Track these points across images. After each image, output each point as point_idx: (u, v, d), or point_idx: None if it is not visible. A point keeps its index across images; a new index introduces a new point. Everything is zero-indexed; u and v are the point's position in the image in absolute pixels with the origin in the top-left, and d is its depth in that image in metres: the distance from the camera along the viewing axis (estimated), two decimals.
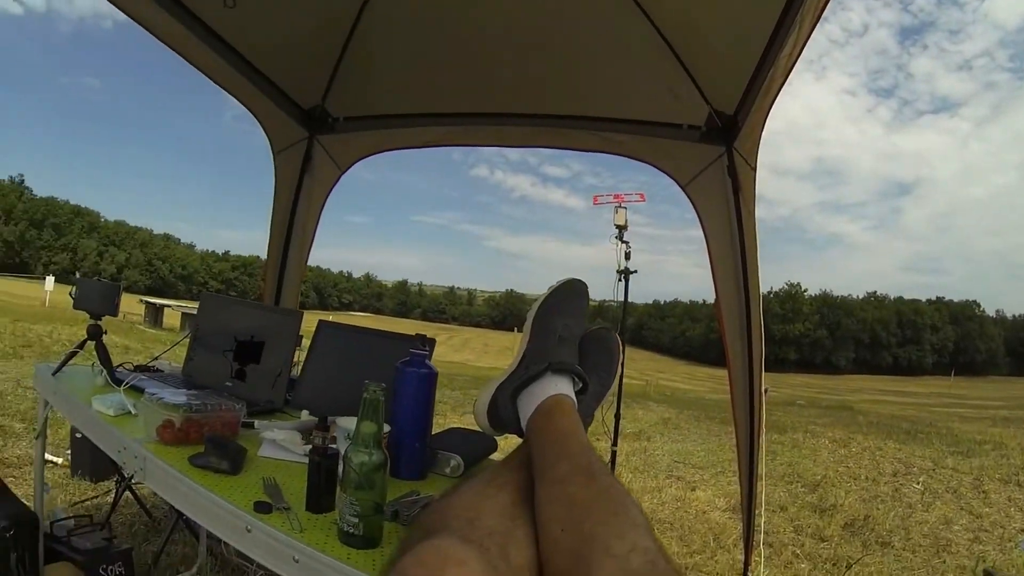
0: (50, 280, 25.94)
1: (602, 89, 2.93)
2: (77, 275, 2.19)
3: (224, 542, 2.77)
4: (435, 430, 1.66)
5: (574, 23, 2.61)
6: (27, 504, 2.24)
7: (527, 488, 0.99)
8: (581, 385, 1.24)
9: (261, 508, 1.20)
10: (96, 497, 3.40)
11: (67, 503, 3.23)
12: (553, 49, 2.79)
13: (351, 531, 1.09)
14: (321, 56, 3.05)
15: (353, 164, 3.60)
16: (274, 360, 2.15)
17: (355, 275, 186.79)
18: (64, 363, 2.18)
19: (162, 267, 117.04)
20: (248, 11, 2.50)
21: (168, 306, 19.74)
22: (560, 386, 1.20)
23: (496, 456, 1.79)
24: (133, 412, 1.77)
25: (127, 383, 1.95)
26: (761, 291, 2.79)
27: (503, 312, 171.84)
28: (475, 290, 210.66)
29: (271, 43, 2.86)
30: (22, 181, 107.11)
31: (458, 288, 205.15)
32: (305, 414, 1.91)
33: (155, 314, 19.13)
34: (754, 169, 2.61)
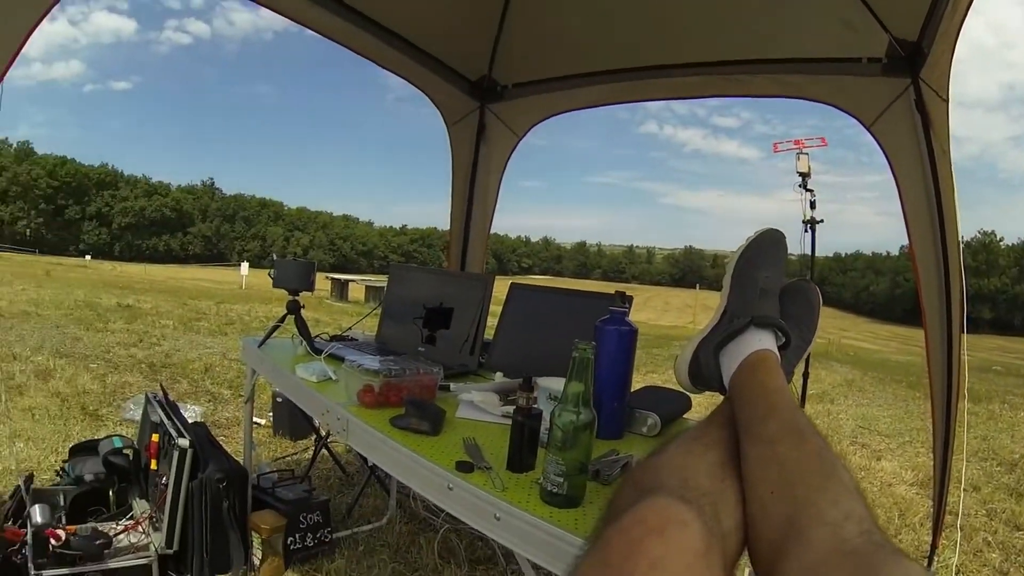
0: (244, 266, 28.66)
1: (773, 29, 2.74)
2: (274, 257, 2.36)
3: (413, 496, 2.94)
4: None
5: None
6: (237, 460, 2.47)
7: (734, 447, 0.95)
8: (784, 340, 1.17)
9: (463, 467, 1.23)
10: (295, 454, 3.75)
11: (271, 459, 3.56)
12: None
13: (555, 490, 1.09)
14: (481, 27, 3.11)
15: (530, 129, 3.62)
16: (465, 324, 2.20)
17: (533, 239, 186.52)
18: (268, 336, 2.37)
19: (344, 245, 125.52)
20: None
21: (352, 281, 21.22)
22: (764, 341, 1.14)
23: (689, 416, 1.77)
24: (334, 378, 1.87)
25: (326, 352, 2.08)
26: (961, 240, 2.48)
27: (682, 269, 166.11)
28: (654, 248, 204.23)
29: (430, 21, 2.99)
30: (212, 183, 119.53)
31: (637, 247, 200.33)
32: (499, 376, 1.95)
33: (341, 289, 20.63)
34: (946, 101, 2.34)
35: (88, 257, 51.76)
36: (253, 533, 2.29)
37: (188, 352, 6.97)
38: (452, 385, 1.85)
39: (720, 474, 0.90)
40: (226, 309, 12.67)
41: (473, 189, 3.73)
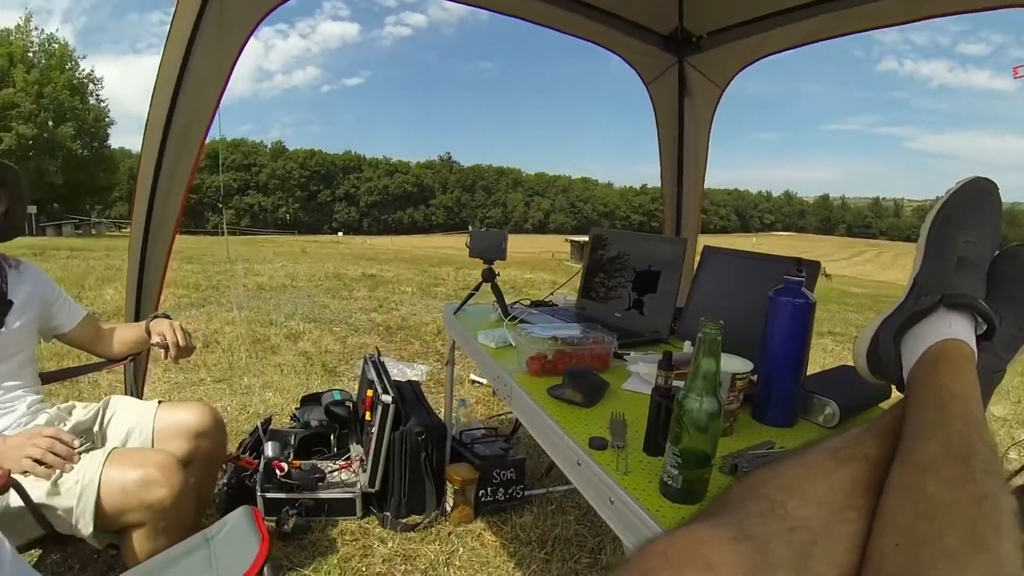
0: None
1: None
2: (470, 228, 2.48)
3: None
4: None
5: None
6: (438, 415, 2.70)
7: (882, 467, 0.71)
8: (986, 328, 0.88)
9: (595, 444, 1.19)
10: (511, 413, 3.92)
11: (485, 417, 3.77)
12: None
13: (669, 482, 0.99)
14: None
15: (732, 79, 3.42)
16: (660, 290, 2.15)
17: (774, 193, 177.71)
18: (463, 303, 2.51)
19: (585, 207, 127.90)
20: None
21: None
22: (956, 327, 0.87)
23: (886, 405, 1.47)
24: (513, 344, 1.91)
25: (510, 318, 2.16)
26: None
27: None
28: (902, 200, 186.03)
29: None
30: (449, 157, 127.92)
31: (883, 199, 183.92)
32: (687, 345, 1.85)
33: (579, 250, 21.31)
34: None
35: (340, 234, 58.17)
36: (448, 483, 2.48)
37: (424, 316, 7.54)
38: (631, 354, 1.78)
39: (842, 503, 0.67)
40: (464, 275, 13.29)
41: (682, 147, 3.62)
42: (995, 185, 1.01)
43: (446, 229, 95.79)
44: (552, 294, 2.78)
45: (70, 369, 2.27)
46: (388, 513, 2.45)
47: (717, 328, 0.95)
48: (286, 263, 15.36)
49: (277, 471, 2.42)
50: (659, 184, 3.80)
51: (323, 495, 2.43)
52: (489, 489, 2.56)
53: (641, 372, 1.61)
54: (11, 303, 1.76)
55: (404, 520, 2.45)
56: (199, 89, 2.27)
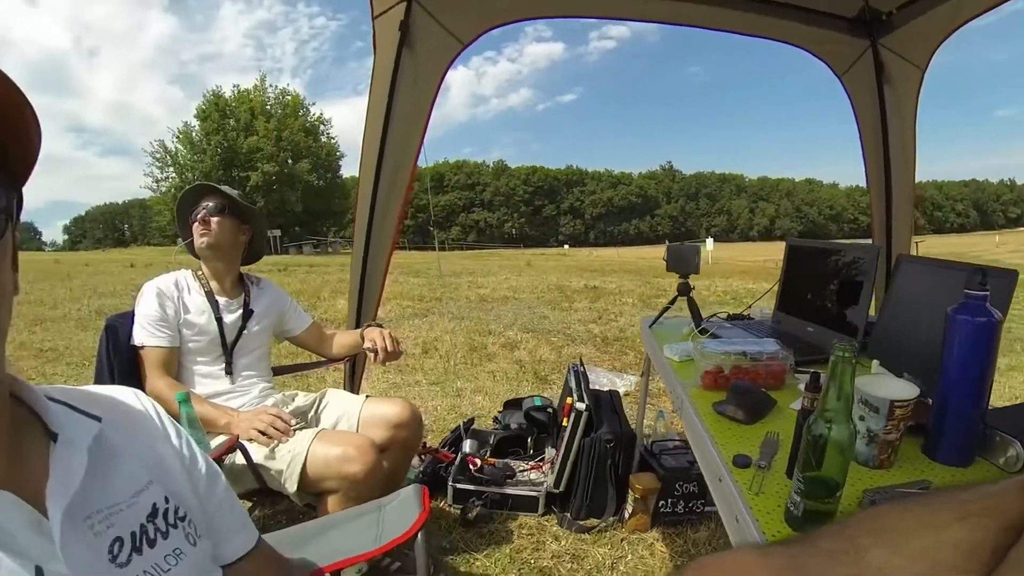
0: (710, 241, 29.51)
1: None
2: (667, 243, 2.52)
3: None
4: None
5: None
6: (631, 425, 2.74)
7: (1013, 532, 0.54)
8: None
9: (739, 462, 1.16)
10: None
11: (683, 430, 3.70)
12: None
13: (792, 508, 0.94)
14: None
15: (933, 55, 3.03)
16: (850, 303, 2.01)
17: (1019, 181, 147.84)
18: (659, 317, 2.55)
19: (810, 211, 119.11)
20: None
21: None
22: None
23: None
24: (695, 359, 1.90)
25: (699, 330, 2.15)
26: None
27: None
28: None
29: None
30: (671, 166, 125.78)
31: None
32: (875, 365, 1.70)
33: None
34: None
35: (567, 246, 59.65)
36: (630, 490, 2.50)
37: (640, 327, 7.53)
38: (811, 372, 1.70)
39: (951, 562, 0.50)
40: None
41: (887, 140, 3.24)
42: None
43: (673, 239, 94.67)
44: (749, 307, 2.70)
45: (297, 365, 2.75)
46: (568, 514, 2.54)
47: (850, 351, 0.89)
48: (510, 276, 16.11)
49: (471, 466, 2.61)
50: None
51: (509, 491, 2.59)
52: (669, 500, 2.54)
53: None
54: (252, 311, 2.22)
55: (582, 522, 2.51)
56: (404, 128, 2.63)
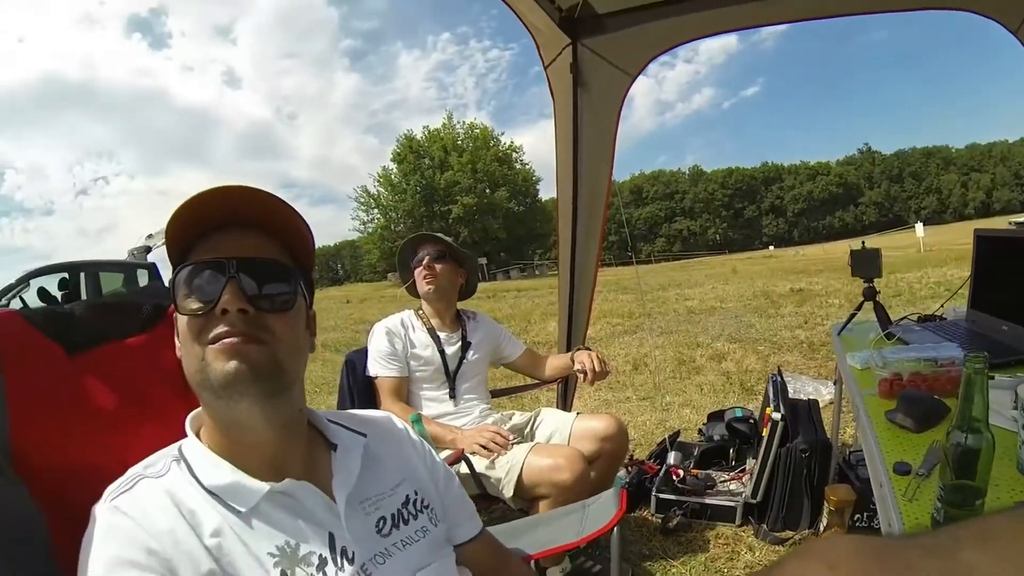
0: (920, 227, 26.35)
1: None
2: (851, 248, 2.52)
3: None
4: None
5: None
6: (826, 434, 2.71)
7: None
8: None
9: (899, 469, 1.17)
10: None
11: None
12: None
13: (935, 515, 0.97)
14: None
15: None
16: None
17: None
18: (846, 324, 2.55)
19: None
20: None
21: None
22: None
23: None
24: (877, 366, 1.87)
25: (885, 334, 2.17)
26: None
27: None
28: None
29: None
30: (869, 148, 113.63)
31: None
32: None
33: None
34: None
35: (771, 248, 56.42)
36: (825, 502, 2.49)
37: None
38: (994, 377, 1.65)
39: None
40: (895, 279, 12.16)
41: None
42: None
43: (880, 228, 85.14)
44: (942, 306, 2.60)
45: (512, 387, 3.06)
46: (764, 525, 2.58)
47: (982, 362, 0.91)
48: (716, 285, 15.75)
49: (674, 477, 2.77)
50: None
51: (708, 501, 2.70)
52: (865, 514, 2.45)
53: (992, 399, 1.48)
54: (470, 343, 2.53)
55: (777, 533, 2.55)
56: (593, 159, 2.93)
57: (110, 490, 0.82)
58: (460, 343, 2.52)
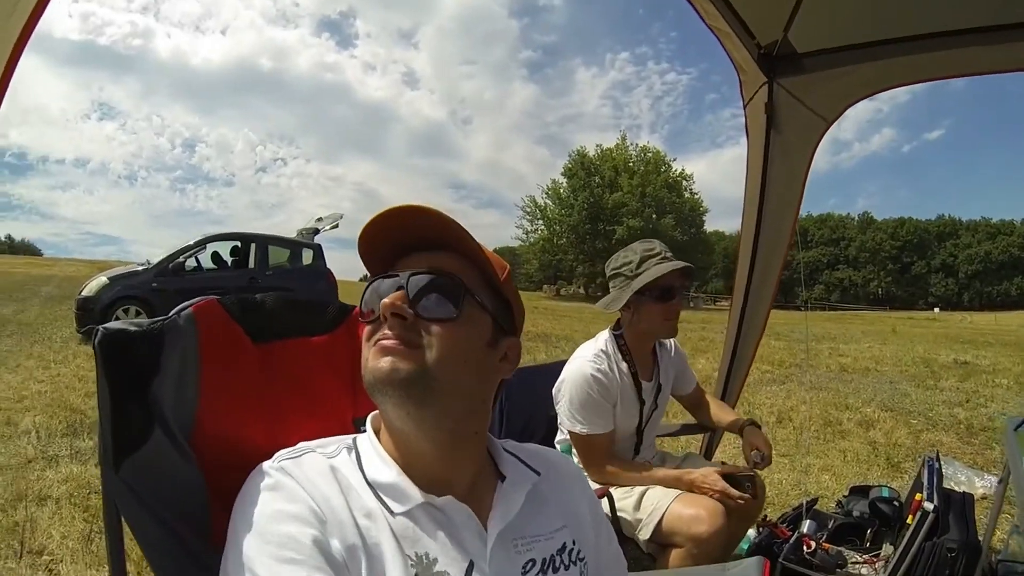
0: None
1: None
2: None
3: None
4: None
5: None
6: (979, 535, 2.52)
7: None
8: None
9: None
10: None
11: None
12: None
13: None
14: None
15: None
16: None
17: None
18: None
19: None
20: None
21: None
22: None
23: None
24: None
25: None
26: None
27: None
28: None
29: None
30: None
31: None
32: None
33: None
34: None
35: (937, 310, 51.62)
36: None
37: (1015, 417, 6.50)
38: None
39: None
40: None
41: None
42: None
43: None
44: None
45: (680, 427, 2.91)
46: None
47: None
48: (873, 343, 14.80)
49: (804, 547, 2.67)
50: None
51: None
52: None
53: None
54: (661, 386, 2.33)
55: None
56: (778, 206, 2.85)
57: (279, 455, 0.86)
58: (654, 389, 2.29)
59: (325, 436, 0.93)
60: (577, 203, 56.65)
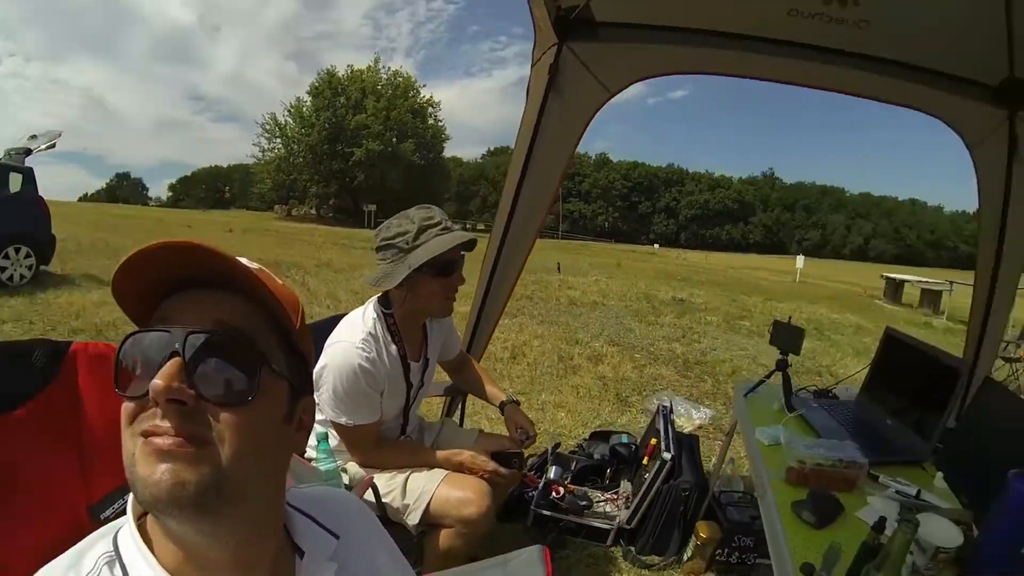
0: (800, 259, 27.93)
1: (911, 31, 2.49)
2: (775, 319, 2.65)
3: None
4: None
5: None
6: (706, 472, 2.93)
7: None
8: None
9: (805, 569, 1.28)
10: None
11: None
12: None
13: None
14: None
15: None
16: (932, 410, 2.09)
17: None
18: (754, 388, 2.65)
19: (909, 234, 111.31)
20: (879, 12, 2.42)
21: (907, 281, 18.84)
22: None
23: None
24: (783, 445, 2.04)
25: (783, 407, 2.35)
26: None
27: None
28: None
29: (927, 33, 2.61)
30: (772, 173, 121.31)
31: None
32: (939, 477, 1.88)
33: (895, 290, 18.62)
34: None
35: (656, 246, 58.79)
36: (693, 535, 2.68)
37: (722, 352, 7.59)
38: (880, 477, 1.84)
39: None
40: (771, 307, 12.99)
41: (1005, 228, 3.14)
42: None
43: (762, 249, 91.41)
44: (837, 384, 2.85)
45: (445, 388, 2.71)
46: (633, 548, 2.77)
47: (910, 532, 1.12)
48: (600, 277, 16.14)
49: (554, 493, 2.84)
50: None
51: (585, 521, 2.83)
52: (726, 551, 2.68)
53: (875, 506, 1.66)
54: (428, 360, 2.21)
55: (644, 558, 2.74)
56: (544, 168, 2.84)
57: None
58: (422, 367, 2.17)
59: (53, 544, 0.71)
60: (319, 123, 54.49)
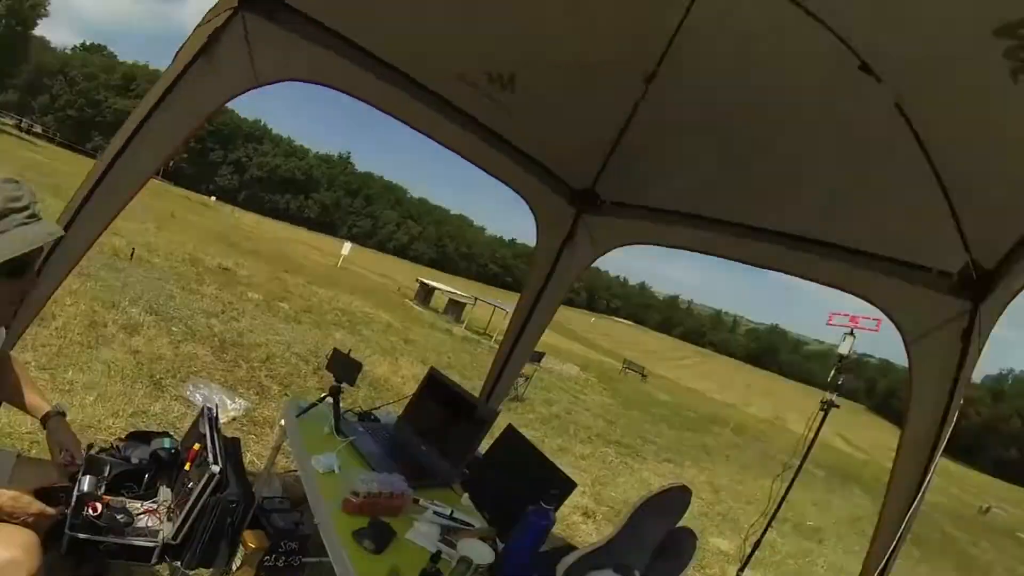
0: (347, 245, 29.45)
1: (859, 218, 2.62)
2: (335, 348, 2.89)
3: None
4: None
5: (845, 146, 2.39)
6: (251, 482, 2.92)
7: None
8: None
9: None
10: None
11: (284, 471, 3.86)
12: (815, 166, 2.60)
13: None
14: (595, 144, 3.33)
15: (610, 249, 3.94)
16: (462, 444, 2.61)
17: (631, 281, 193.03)
18: (306, 410, 2.81)
19: (449, 244, 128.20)
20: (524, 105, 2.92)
21: (439, 288, 21.34)
22: None
23: None
24: (337, 473, 2.31)
25: (332, 430, 2.64)
26: None
27: (762, 346, 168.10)
28: (741, 317, 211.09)
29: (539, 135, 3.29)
30: (348, 157, 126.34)
31: (725, 313, 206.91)
32: (465, 497, 2.39)
33: (425, 294, 20.95)
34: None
35: (213, 199, 55.56)
36: (241, 545, 2.75)
37: (259, 335, 7.61)
38: (422, 500, 2.26)
39: None
40: (311, 292, 13.40)
41: (547, 282, 4.01)
42: (689, 494, 1.76)
43: (314, 227, 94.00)
44: (378, 408, 3.19)
45: None
46: (179, 563, 2.65)
47: (466, 568, 1.54)
48: (149, 226, 14.65)
49: (90, 510, 2.42)
50: (529, 242, 4.27)
51: (128, 540, 2.55)
52: (273, 556, 2.83)
53: (420, 529, 2.08)
54: None
55: (192, 573, 2.68)
56: (172, 119, 2.55)
57: None
58: None
59: None
60: None
